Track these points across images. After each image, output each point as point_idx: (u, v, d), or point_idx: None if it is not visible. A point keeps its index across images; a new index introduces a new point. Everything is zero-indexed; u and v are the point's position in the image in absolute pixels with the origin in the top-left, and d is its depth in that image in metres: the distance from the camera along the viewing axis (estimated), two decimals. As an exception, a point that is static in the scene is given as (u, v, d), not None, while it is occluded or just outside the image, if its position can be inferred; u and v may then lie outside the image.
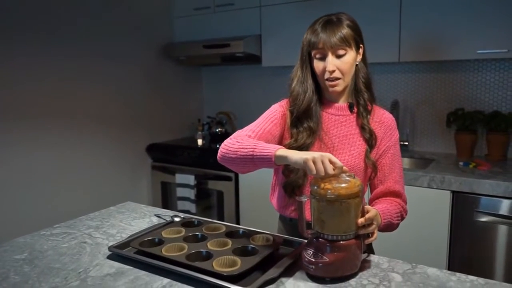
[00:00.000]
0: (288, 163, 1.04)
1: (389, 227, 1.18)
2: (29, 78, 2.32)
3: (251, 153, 1.09)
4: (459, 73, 2.46)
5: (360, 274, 1.03)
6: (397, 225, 1.22)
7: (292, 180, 1.26)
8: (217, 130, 3.23)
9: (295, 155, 1.02)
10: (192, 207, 2.84)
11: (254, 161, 1.10)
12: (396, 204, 1.23)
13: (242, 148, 1.12)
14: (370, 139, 1.25)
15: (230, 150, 1.15)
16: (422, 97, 2.58)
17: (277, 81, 2.99)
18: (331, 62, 1.19)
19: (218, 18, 2.96)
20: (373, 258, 1.13)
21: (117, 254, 1.15)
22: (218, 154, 1.20)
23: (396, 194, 1.26)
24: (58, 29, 2.44)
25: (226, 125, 3.27)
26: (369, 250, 1.35)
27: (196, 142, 3.10)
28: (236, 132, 1.24)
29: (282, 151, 1.05)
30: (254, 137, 1.21)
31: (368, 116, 1.27)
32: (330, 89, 1.23)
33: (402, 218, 1.25)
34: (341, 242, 0.99)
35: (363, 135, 1.26)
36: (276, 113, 1.29)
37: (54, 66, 2.44)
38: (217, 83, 3.47)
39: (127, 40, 2.86)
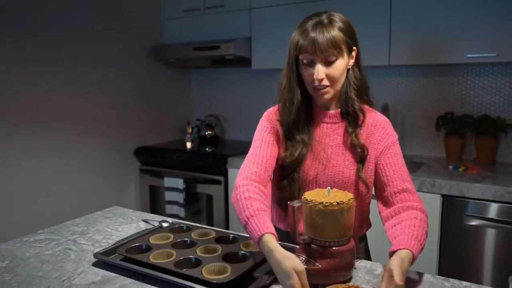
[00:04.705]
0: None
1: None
2: (13, 81, 2.26)
3: (244, 223, 1.01)
4: (449, 77, 2.47)
5: (353, 280, 1.01)
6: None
7: (286, 195, 1.20)
8: (206, 133, 3.20)
9: (276, 265, 0.90)
10: (181, 211, 2.80)
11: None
12: (419, 220, 1.04)
13: (240, 213, 1.03)
14: (362, 154, 1.18)
15: (234, 203, 1.08)
16: (412, 100, 2.59)
17: (267, 84, 2.97)
18: (320, 70, 1.11)
19: (208, 20, 2.93)
20: (367, 264, 1.11)
21: (103, 261, 1.11)
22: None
23: (406, 191, 1.13)
24: (44, 32, 2.39)
25: (216, 128, 3.25)
26: (367, 257, 1.32)
27: (185, 145, 3.06)
28: (241, 169, 1.16)
29: (267, 244, 0.93)
30: (260, 170, 1.14)
31: (358, 129, 1.18)
32: (320, 97, 1.17)
33: (427, 226, 1.08)
34: (334, 248, 0.97)
35: (354, 148, 1.18)
36: (267, 131, 1.23)
37: (40, 68, 2.38)
38: (206, 86, 3.44)
39: (116, 42, 2.82)
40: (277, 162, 1.23)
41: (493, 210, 1.87)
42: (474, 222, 1.91)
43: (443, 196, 1.95)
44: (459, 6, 2.11)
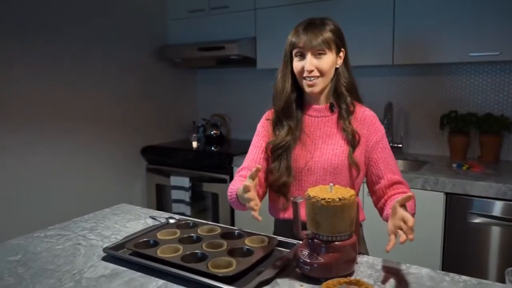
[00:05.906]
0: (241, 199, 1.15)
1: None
2: (22, 81, 2.31)
3: (234, 199, 1.25)
4: (452, 75, 2.48)
5: (354, 275, 1.03)
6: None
7: (276, 177, 1.28)
8: (212, 132, 3.23)
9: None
10: (187, 209, 2.83)
11: (238, 205, 1.24)
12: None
13: (229, 196, 1.28)
14: (353, 140, 1.26)
15: (228, 197, 1.29)
16: (416, 99, 2.60)
17: (272, 84, 2.99)
18: (310, 61, 1.22)
19: (213, 21, 2.96)
20: (368, 259, 1.13)
21: (112, 255, 1.14)
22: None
23: (398, 183, 1.26)
24: (52, 32, 2.43)
25: (221, 128, 3.28)
26: (362, 244, 1.35)
27: (191, 144, 3.09)
28: (236, 172, 1.35)
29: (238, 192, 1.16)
30: (246, 173, 1.29)
31: (350, 117, 1.27)
32: (309, 89, 1.25)
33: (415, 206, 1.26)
34: (336, 243, 0.99)
35: (346, 136, 1.27)
36: (259, 136, 1.36)
37: (48, 68, 2.43)
38: (212, 86, 3.48)
39: (122, 42, 2.86)
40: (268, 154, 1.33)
41: (497, 208, 1.88)
42: (478, 220, 1.92)
43: (447, 194, 1.97)
44: (462, 5, 2.12)
